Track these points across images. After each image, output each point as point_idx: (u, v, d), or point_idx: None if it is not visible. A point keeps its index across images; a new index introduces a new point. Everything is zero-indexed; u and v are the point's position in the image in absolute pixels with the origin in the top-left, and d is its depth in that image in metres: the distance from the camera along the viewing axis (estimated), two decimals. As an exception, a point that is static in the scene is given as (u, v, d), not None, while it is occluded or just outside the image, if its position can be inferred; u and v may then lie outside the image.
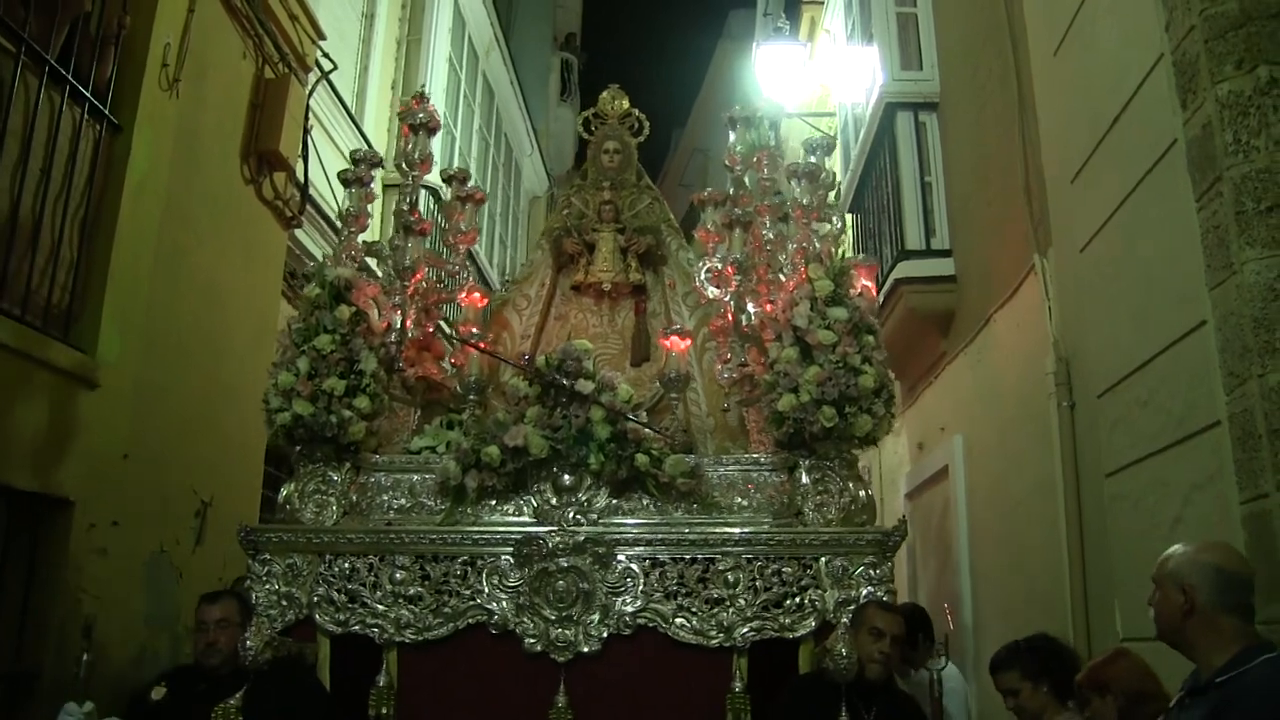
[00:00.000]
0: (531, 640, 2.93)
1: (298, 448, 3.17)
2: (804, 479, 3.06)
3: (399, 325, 3.37)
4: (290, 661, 2.90)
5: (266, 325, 4.72)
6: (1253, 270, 2.27)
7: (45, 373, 3.20)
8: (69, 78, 3.32)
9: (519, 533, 3.02)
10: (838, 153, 6.63)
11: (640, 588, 2.95)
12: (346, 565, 3.03)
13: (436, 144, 3.74)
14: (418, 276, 3.49)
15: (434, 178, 4.68)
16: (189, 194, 4.07)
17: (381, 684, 2.91)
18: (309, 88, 5.20)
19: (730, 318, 3.49)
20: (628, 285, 3.86)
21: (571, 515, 3.05)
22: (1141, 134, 2.81)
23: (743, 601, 2.92)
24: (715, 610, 2.92)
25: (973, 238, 4.86)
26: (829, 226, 3.29)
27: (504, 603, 2.97)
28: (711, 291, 3.60)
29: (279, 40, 4.77)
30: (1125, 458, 2.98)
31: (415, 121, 3.59)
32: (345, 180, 3.47)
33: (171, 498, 3.94)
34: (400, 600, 2.99)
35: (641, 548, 2.99)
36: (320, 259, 3.68)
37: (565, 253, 3.91)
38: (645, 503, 3.09)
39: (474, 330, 3.52)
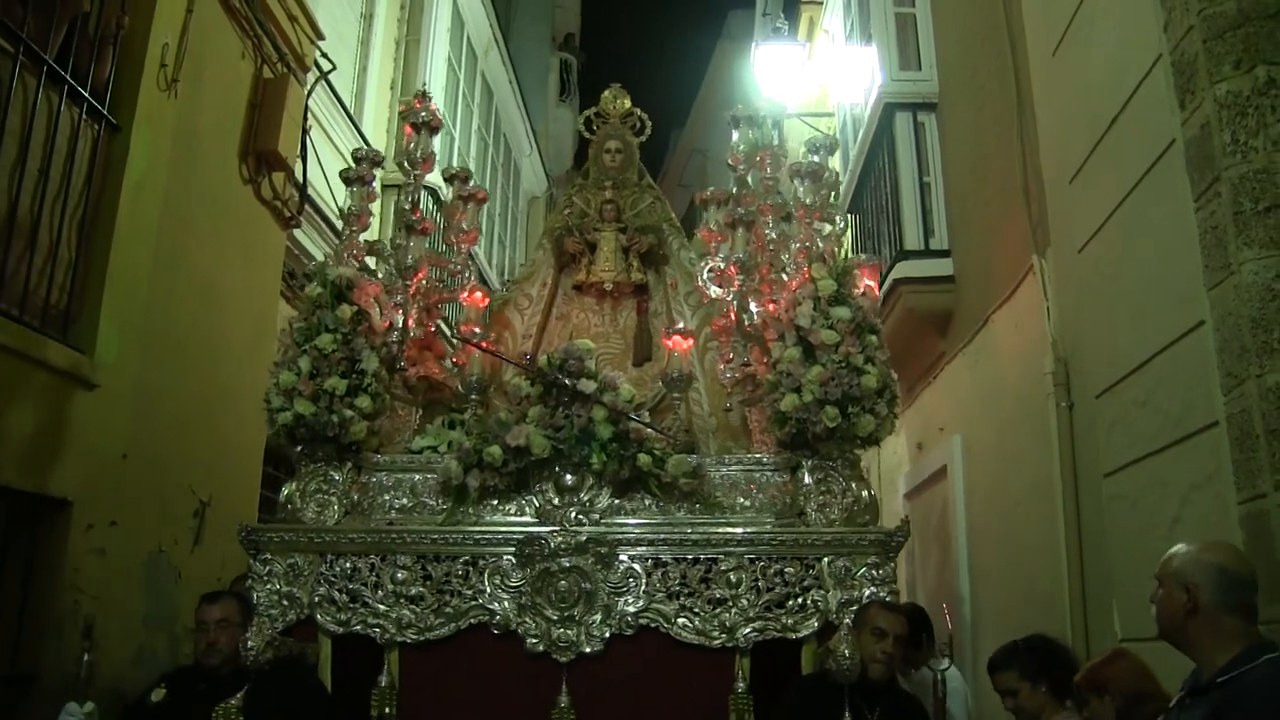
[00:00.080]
0: (533, 640, 2.93)
1: (299, 447, 3.17)
2: (807, 479, 3.06)
3: (401, 324, 3.37)
4: (291, 661, 2.89)
5: (265, 325, 4.72)
6: (1251, 270, 2.27)
7: (43, 373, 3.20)
8: (67, 77, 3.32)
9: (521, 533, 3.02)
10: (836, 153, 6.63)
11: (642, 588, 2.95)
12: (348, 565, 3.03)
13: (435, 144, 3.74)
14: (419, 276, 3.49)
15: (433, 177, 4.68)
16: (187, 194, 4.06)
17: (383, 684, 2.91)
18: (308, 88, 5.19)
19: (733, 317, 3.49)
20: (630, 285, 3.87)
21: (574, 515, 3.05)
22: (1140, 134, 2.82)
23: (745, 602, 2.92)
24: (718, 610, 2.92)
25: (971, 238, 4.87)
26: (832, 226, 3.29)
27: (506, 603, 2.97)
28: (714, 291, 3.60)
29: (278, 40, 4.76)
30: (1123, 458, 2.99)
31: (417, 120, 3.59)
32: (347, 179, 3.47)
33: (170, 498, 3.93)
34: (402, 600, 2.99)
35: (644, 548, 2.99)
36: (319, 259, 3.68)
37: (567, 252, 3.91)
38: (647, 503, 3.09)
39: (476, 330, 3.51)
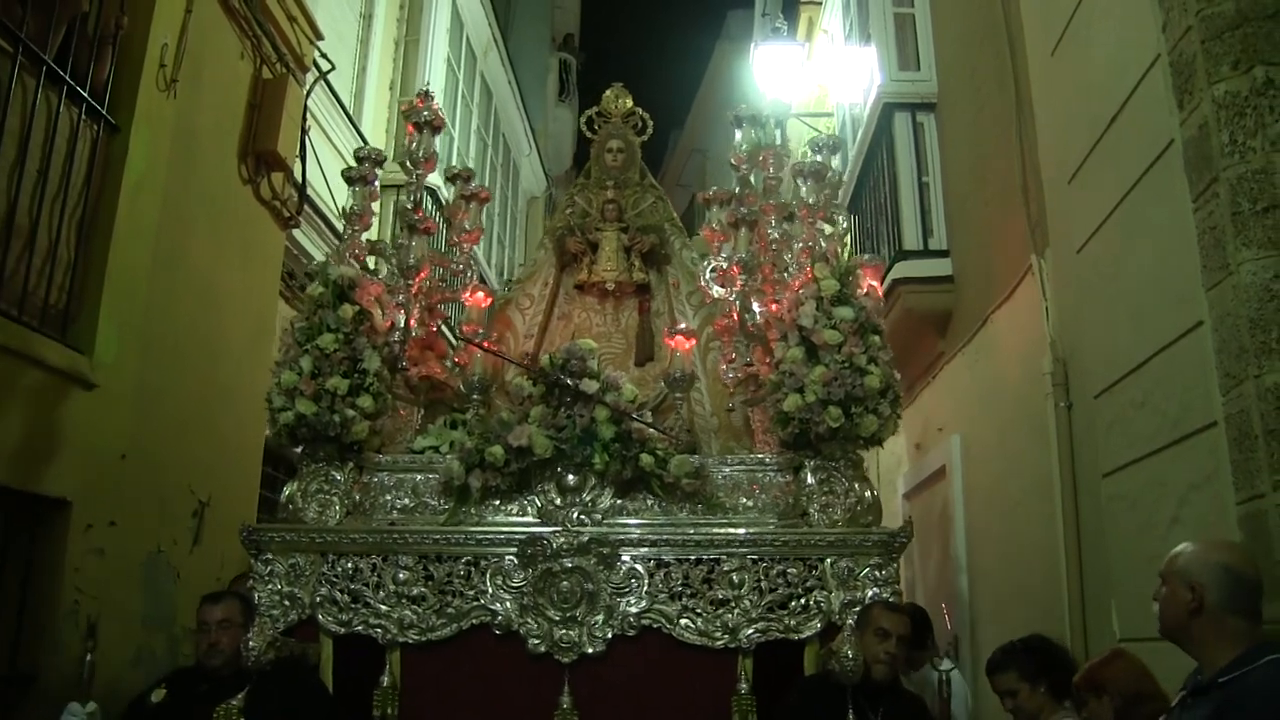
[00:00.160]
0: (535, 641, 2.93)
1: (300, 447, 3.16)
2: (809, 479, 3.06)
3: (402, 324, 3.37)
4: (293, 662, 2.89)
5: (264, 325, 4.72)
6: (1249, 271, 2.28)
7: (42, 373, 3.19)
8: (66, 78, 3.31)
9: (523, 533, 3.02)
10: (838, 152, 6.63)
11: (645, 588, 2.95)
12: (349, 565, 3.03)
13: (435, 144, 3.75)
14: (421, 275, 3.49)
15: (432, 178, 4.68)
16: (187, 194, 4.06)
17: (385, 685, 2.90)
18: (307, 88, 5.19)
19: (735, 317, 3.49)
20: (631, 284, 3.87)
21: (576, 515, 3.05)
22: (1138, 135, 2.82)
23: (748, 603, 2.92)
24: (720, 611, 2.92)
25: (970, 238, 4.87)
26: (834, 226, 3.30)
27: (508, 603, 2.97)
28: (716, 291, 3.60)
29: (277, 40, 4.76)
30: (1122, 458, 2.99)
31: (420, 119, 3.59)
32: (349, 178, 3.47)
33: (169, 498, 3.93)
34: (403, 600, 2.99)
35: (646, 548, 2.99)
36: (318, 259, 3.68)
37: (569, 252, 3.91)
38: (650, 503, 3.09)
39: (478, 329, 3.51)
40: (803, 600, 2.93)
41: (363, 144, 6.00)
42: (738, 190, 3.72)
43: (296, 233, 5.29)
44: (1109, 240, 3.07)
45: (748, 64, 7.93)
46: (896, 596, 2.96)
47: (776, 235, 3.48)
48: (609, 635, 2.93)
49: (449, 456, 3.15)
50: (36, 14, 3.16)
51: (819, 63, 7.48)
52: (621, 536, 3.00)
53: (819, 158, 3.34)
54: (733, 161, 3.78)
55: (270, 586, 3.01)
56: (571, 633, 2.93)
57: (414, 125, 3.59)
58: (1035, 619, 3.48)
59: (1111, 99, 2.97)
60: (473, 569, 3.01)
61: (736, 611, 2.92)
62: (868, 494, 3.05)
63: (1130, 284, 2.93)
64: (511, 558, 3.00)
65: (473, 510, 3.11)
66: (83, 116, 3.44)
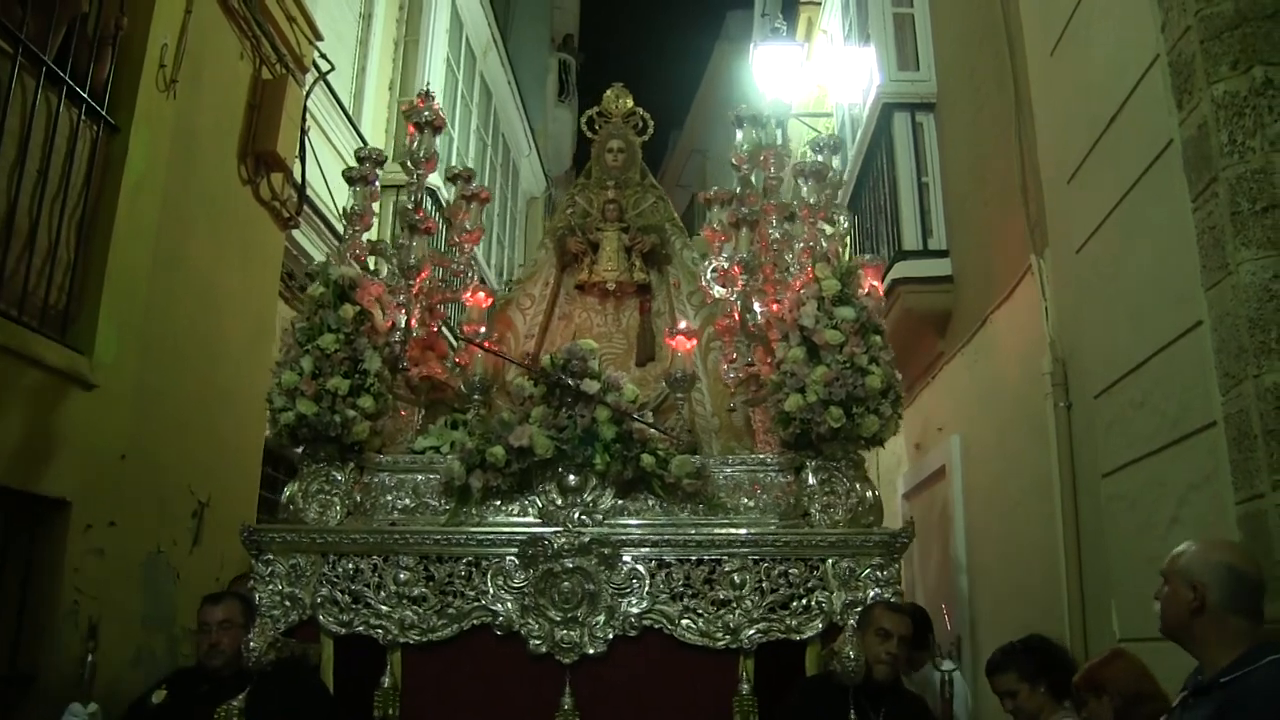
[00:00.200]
0: (536, 642, 2.93)
1: (301, 447, 3.16)
2: (810, 480, 3.06)
3: (403, 324, 3.37)
4: (293, 663, 2.89)
5: (264, 326, 4.72)
6: (1248, 271, 2.28)
7: (42, 373, 3.19)
8: (66, 78, 3.31)
9: (524, 533, 3.01)
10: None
11: (646, 589, 2.95)
12: (350, 566, 3.03)
13: (436, 144, 3.75)
14: (422, 275, 3.49)
15: (433, 178, 4.68)
16: (186, 194, 4.06)
17: (386, 685, 2.90)
18: (306, 88, 5.19)
19: (736, 317, 3.49)
20: (632, 284, 3.87)
21: (577, 516, 3.05)
22: (1138, 135, 2.82)
23: (749, 603, 2.92)
24: (721, 612, 2.92)
25: (970, 238, 4.87)
26: (835, 226, 3.30)
27: (509, 604, 2.97)
28: (717, 291, 3.60)
29: (276, 41, 4.76)
30: (1122, 458, 2.99)
31: (421, 119, 3.59)
32: (350, 178, 3.47)
33: (169, 498, 3.93)
34: (404, 601, 2.99)
35: (647, 549, 2.99)
36: (318, 260, 3.68)
37: (569, 252, 3.91)
38: (651, 503, 3.09)
39: (479, 330, 3.51)
40: (804, 601, 2.93)
41: (362, 144, 6.01)
42: (739, 190, 3.72)
43: (296, 233, 5.29)
44: (1108, 240, 3.07)
45: (747, 64, 7.93)
46: (898, 597, 2.96)
47: (777, 235, 3.48)
48: (610, 636, 2.93)
49: (450, 457, 3.15)
50: (36, 14, 3.16)
51: (818, 63, 7.48)
52: (623, 537, 2.99)
53: (820, 158, 3.33)
54: (734, 161, 3.77)
55: (271, 587, 3.01)
56: (573, 633, 2.93)
57: (415, 125, 3.59)
58: (1035, 619, 3.48)
59: (1111, 99, 2.97)
60: (474, 569, 3.01)
61: (738, 612, 2.92)
62: (869, 494, 3.05)
63: (1129, 284, 2.93)
64: (512, 558, 3.00)
65: (474, 511, 3.11)
66: (82, 117, 3.44)
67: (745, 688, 2.85)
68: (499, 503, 3.12)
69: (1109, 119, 2.99)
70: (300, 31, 5.01)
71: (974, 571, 4.68)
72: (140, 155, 3.68)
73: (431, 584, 3.00)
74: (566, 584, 2.95)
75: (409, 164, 3.59)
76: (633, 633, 2.93)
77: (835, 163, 3.41)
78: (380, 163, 3.54)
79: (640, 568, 2.97)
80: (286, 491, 3.17)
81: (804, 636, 2.91)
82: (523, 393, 3.17)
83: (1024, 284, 4.05)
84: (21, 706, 3.10)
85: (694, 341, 3.52)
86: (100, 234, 3.52)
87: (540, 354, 3.63)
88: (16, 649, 3.15)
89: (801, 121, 6.80)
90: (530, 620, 2.95)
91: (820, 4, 7.87)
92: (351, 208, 3.43)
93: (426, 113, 3.58)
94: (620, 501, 3.09)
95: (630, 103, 4.08)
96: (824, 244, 3.22)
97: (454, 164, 6.87)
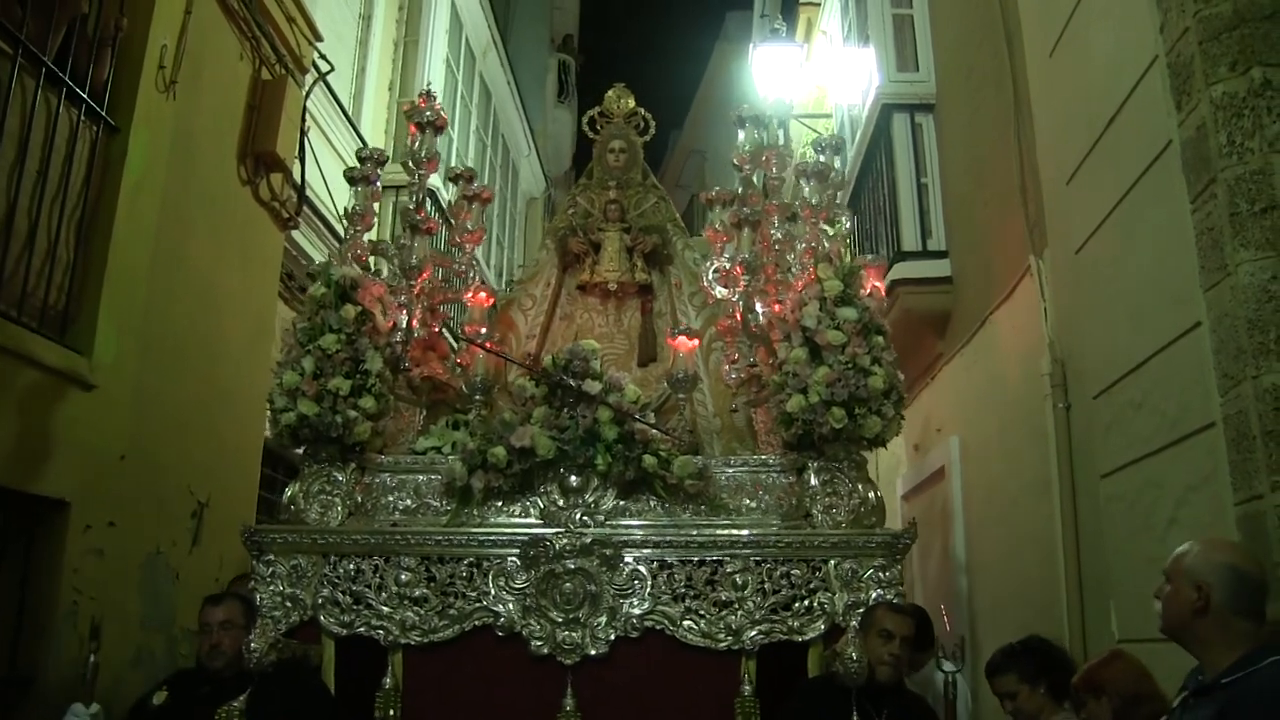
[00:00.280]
0: (538, 643, 2.93)
1: (302, 448, 3.16)
2: (812, 481, 3.06)
3: (405, 325, 3.37)
4: (294, 663, 2.89)
5: (263, 326, 4.72)
6: (1247, 271, 2.28)
7: (41, 374, 3.19)
8: (66, 79, 3.31)
9: (525, 534, 3.01)
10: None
11: (648, 590, 2.95)
12: (351, 566, 3.02)
13: (437, 144, 3.75)
14: (424, 276, 3.49)
15: (434, 178, 4.68)
16: (186, 195, 4.06)
17: (387, 686, 2.90)
18: (306, 89, 5.19)
19: (738, 318, 3.49)
20: (634, 285, 3.87)
21: (578, 517, 3.05)
22: (1136, 136, 2.82)
23: (751, 604, 2.92)
24: (723, 613, 2.92)
25: (969, 239, 4.88)
26: (838, 226, 3.30)
27: (510, 605, 2.96)
28: (719, 291, 3.60)
29: (276, 42, 4.76)
30: (1120, 459, 2.99)
31: (422, 119, 3.59)
32: (351, 178, 3.46)
33: (168, 499, 3.92)
34: (405, 602, 2.98)
35: (649, 550, 2.99)
36: (317, 260, 3.68)
37: (571, 252, 3.91)
38: (653, 504, 3.09)
39: (480, 330, 3.52)
40: (806, 602, 2.93)
41: (362, 145, 6.01)
42: (740, 190, 3.72)
43: (296, 234, 5.29)
44: (1107, 241, 3.08)
45: (747, 65, 7.93)
46: (900, 598, 2.96)
47: (779, 236, 3.48)
48: (612, 637, 2.92)
49: (451, 457, 3.15)
50: (36, 15, 3.16)
51: (817, 64, 7.49)
52: (624, 538, 2.99)
53: (822, 158, 3.34)
54: (735, 162, 3.77)
55: (272, 588, 3.01)
56: (574, 634, 2.93)
57: (417, 125, 3.59)
58: (1034, 620, 3.48)
59: (1110, 100, 2.97)
60: (475, 570, 3.01)
61: (740, 613, 2.92)
62: (871, 495, 3.05)
63: (1129, 285, 2.93)
64: (514, 559, 2.99)
65: (475, 511, 3.11)
66: (82, 117, 3.44)
67: (747, 689, 2.85)
68: (500, 503, 3.12)
69: (1108, 120, 3.00)
70: (300, 32, 5.01)
71: (973, 572, 4.68)
72: (140, 156, 3.68)
73: (433, 585, 3.00)
74: (568, 585, 2.95)
75: (410, 164, 3.59)
76: (634, 634, 2.93)
77: (837, 163, 3.41)
78: (381, 163, 3.54)
79: (642, 569, 2.97)
80: (288, 492, 3.17)
81: (806, 638, 2.91)
82: (524, 393, 3.17)
83: (1023, 285, 4.05)
84: (21, 707, 3.09)
85: (695, 342, 3.51)
86: (100, 234, 3.52)
87: (542, 354, 3.63)
88: (16, 650, 3.14)
89: (801, 122, 6.81)
90: (532, 621, 2.95)
91: (820, 5, 7.87)
92: (353, 208, 3.43)
93: (428, 113, 3.58)
94: (622, 502, 3.09)
95: (632, 103, 4.09)
96: (826, 244, 3.22)
97: (454, 164, 6.87)
